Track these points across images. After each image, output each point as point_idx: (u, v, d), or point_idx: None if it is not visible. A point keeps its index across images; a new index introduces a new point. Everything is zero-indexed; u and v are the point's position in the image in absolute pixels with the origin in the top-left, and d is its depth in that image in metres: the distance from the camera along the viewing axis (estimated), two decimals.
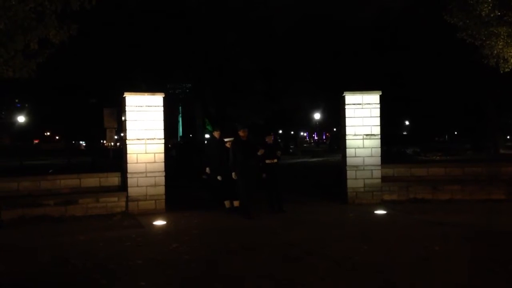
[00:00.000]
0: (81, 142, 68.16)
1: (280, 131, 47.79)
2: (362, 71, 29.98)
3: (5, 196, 8.72)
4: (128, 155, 9.48)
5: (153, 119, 9.65)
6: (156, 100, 9.69)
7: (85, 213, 9.06)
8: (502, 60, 10.86)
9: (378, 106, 10.33)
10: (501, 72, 11.22)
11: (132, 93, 9.72)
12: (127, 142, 9.51)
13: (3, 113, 49.73)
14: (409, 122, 49.80)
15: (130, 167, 9.46)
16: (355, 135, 10.30)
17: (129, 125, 9.54)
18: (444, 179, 10.71)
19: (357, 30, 33.79)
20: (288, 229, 7.82)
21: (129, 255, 6.20)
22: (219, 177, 9.40)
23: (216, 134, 10.16)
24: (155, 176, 9.56)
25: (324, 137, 78.67)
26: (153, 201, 9.53)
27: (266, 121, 31.75)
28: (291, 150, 42.23)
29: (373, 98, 10.33)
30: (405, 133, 51.57)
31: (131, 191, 9.43)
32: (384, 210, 9.31)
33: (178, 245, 6.72)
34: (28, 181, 9.25)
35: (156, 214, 9.15)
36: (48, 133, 70.57)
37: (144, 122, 9.58)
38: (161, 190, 9.60)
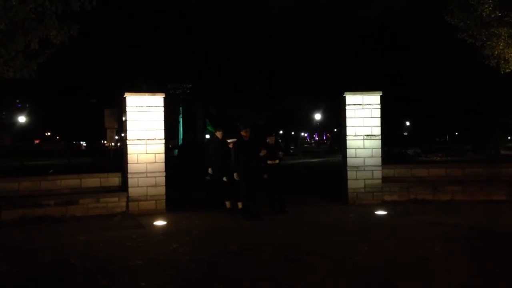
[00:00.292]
0: (81, 142, 68.20)
1: (281, 132, 47.78)
2: (363, 71, 30.00)
3: (6, 196, 8.72)
4: (129, 155, 9.48)
5: (153, 119, 9.65)
6: (156, 101, 9.70)
7: (85, 213, 9.07)
8: (502, 61, 10.85)
9: (379, 106, 10.33)
10: (502, 72, 11.20)
11: (133, 93, 9.72)
12: (128, 142, 9.52)
13: (3, 113, 49.77)
14: (410, 122, 49.79)
15: (131, 167, 9.46)
16: (355, 135, 10.30)
17: (129, 126, 9.54)
18: (444, 179, 10.71)
19: (358, 30, 33.81)
20: (288, 230, 7.82)
21: (129, 256, 6.20)
22: (224, 178, 9.30)
23: (219, 134, 10.09)
24: (155, 177, 9.56)
25: (324, 138, 78.69)
26: (154, 202, 9.53)
27: (266, 121, 31.74)
28: (291, 151, 42.23)
29: (374, 99, 10.33)
30: (405, 133, 51.57)
31: (132, 191, 9.44)
32: (385, 210, 9.30)
33: (179, 246, 6.72)
34: (28, 181, 9.25)
35: (157, 215, 9.15)
36: (49, 134, 70.56)
37: (145, 123, 9.58)
38: (162, 190, 9.60)
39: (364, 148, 10.28)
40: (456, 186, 10.39)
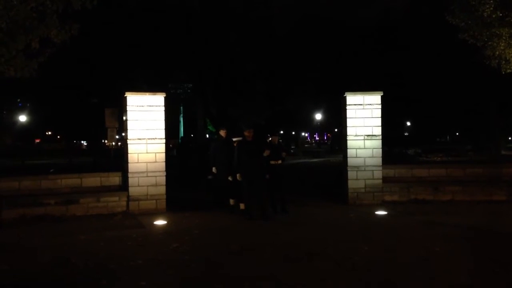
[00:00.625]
0: (82, 142, 68.21)
1: (281, 132, 47.77)
2: (363, 71, 29.97)
3: (6, 196, 8.73)
4: (129, 155, 9.49)
5: (154, 119, 9.66)
6: (157, 100, 9.70)
7: (86, 212, 9.08)
8: (503, 61, 10.84)
9: (380, 106, 10.33)
10: (503, 73, 11.19)
11: (133, 92, 9.73)
12: (128, 141, 9.52)
13: (4, 112, 49.70)
14: (411, 123, 49.75)
15: (131, 166, 9.47)
16: (356, 135, 10.30)
17: (130, 125, 9.55)
18: (445, 180, 10.71)
19: (358, 30, 33.78)
20: (288, 230, 7.82)
21: (129, 255, 6.20)
22: (230, 178, 9.25)
23: (222, 133, 10.05)
24: (156, 176, 9.57)
25: (325, 138, 78.68)
26: (154, 201, 9.53)
27: (267, 122, 31.71)
28: (292, 151, 42.21)
29: (374, 99, 10.33)
30: (406, 134, 51.55)
31: (132, 190, 9.44)
32: (385, 210, 9.30)
33: (179, 245, 6.73)
34: (29, 180, 9.27)
35: (157, 214, 9.15)
36: (50, 133, 70.58)
37: (145, 122, 9.58)
38: (162, 190, 9.61)
39: (364, 148, 10.28)
40: (457, 186, 10.39)
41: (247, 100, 27.54)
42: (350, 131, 10.32)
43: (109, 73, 25.02)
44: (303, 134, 70.33)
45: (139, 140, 9.53)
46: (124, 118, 9.87)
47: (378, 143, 10.33)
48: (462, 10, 10.68)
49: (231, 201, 9.39)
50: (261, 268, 5.64)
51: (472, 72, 23.46)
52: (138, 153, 9.51)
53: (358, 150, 10.28)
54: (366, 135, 10.29)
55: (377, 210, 9.31)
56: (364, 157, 10.27)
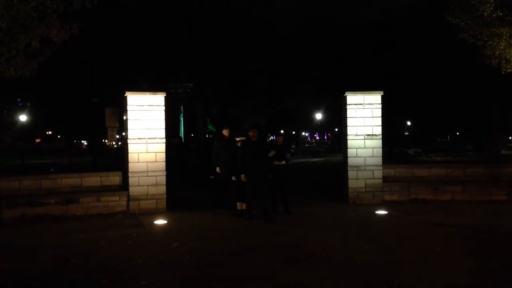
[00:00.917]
0: (82, 141, 68.23)
1: (282, 131, 47.75)
2: (363, 71, 29.96)
3: (7, 195, 8.73)
4: (130, 155, 9.49)
5: (154, 118, 9.66)
6: (157, 100, 9.70)
7: (86, 212, 9.08)
8: (504, 61, 10.85)
9: (380, 106, 10.33)
10: (503, 72, 11.19)
11: (134, 92, 9.73)
12: (129, 141, 9.53)
13: (4, 112, 49.70)
14: (411, 122, 49.77)
15: (131, 166, 9.47)
16: (356, 135, 10.30)
17: (130, 125, 9.55)
18: (445, 179, 10.71)
19: (358, 30, 33.76)
20: (289, 230, 7.82)
21: (130, 255, 6.21)
22: (233, 178, 9.16)
23: (226, 132, 9.99)
24: (156, 176, 9.57)
25: (325, 137, 78.69)
26: (154, 201, 9.54)
27: (267, 122, 31.72)
28: (292, 150, 42.22)
29: (375, 98, 10.33)
30: (406, 133, 51.55)
31: (132, 190, 9.44)
32: (385, 210, 9.30)
33: (179, 245, 6.73)
34: (29, 180, 9.26)
35: (157, 214, 9.15)
36: (50, 132, 70.61)
37: (146, 122, 9.59)
38: (162, 189, 9.61)
39: (365, 147, 10.28)
40: (457, 186, 10.39)
41: (248, 100, 27.54)
42: (350, 130, 10.32)
43: (109, 73, 25.02)
44: (303, 133, 70.35)
45: (139, 139, 9.53)
46: (124, 117, 9.87)
47: (378, 142, 10.33)
48: (462, 9, 10.67)
49: (238, 205, 9.08)
50: (261, 268, 5.64)
51: (472, 72, 23.46)
52: (138, 153, 9.52)
53: (358, 149, 10.28)
54: (366, 135, 10.29)
55: (377, 210, 9.31)
56: (364, 157, 10.27)
